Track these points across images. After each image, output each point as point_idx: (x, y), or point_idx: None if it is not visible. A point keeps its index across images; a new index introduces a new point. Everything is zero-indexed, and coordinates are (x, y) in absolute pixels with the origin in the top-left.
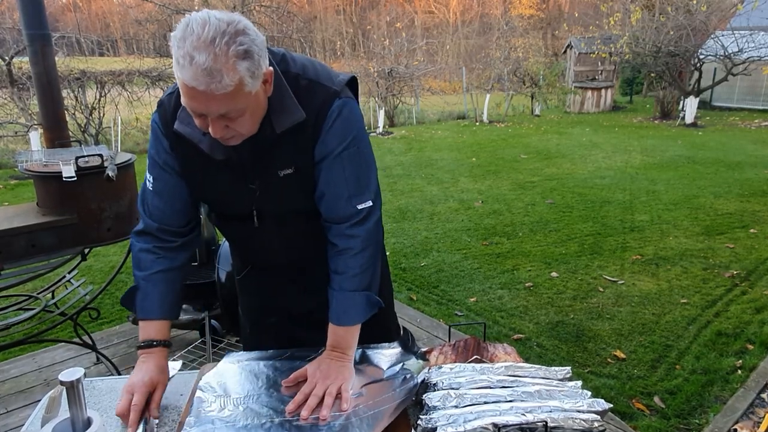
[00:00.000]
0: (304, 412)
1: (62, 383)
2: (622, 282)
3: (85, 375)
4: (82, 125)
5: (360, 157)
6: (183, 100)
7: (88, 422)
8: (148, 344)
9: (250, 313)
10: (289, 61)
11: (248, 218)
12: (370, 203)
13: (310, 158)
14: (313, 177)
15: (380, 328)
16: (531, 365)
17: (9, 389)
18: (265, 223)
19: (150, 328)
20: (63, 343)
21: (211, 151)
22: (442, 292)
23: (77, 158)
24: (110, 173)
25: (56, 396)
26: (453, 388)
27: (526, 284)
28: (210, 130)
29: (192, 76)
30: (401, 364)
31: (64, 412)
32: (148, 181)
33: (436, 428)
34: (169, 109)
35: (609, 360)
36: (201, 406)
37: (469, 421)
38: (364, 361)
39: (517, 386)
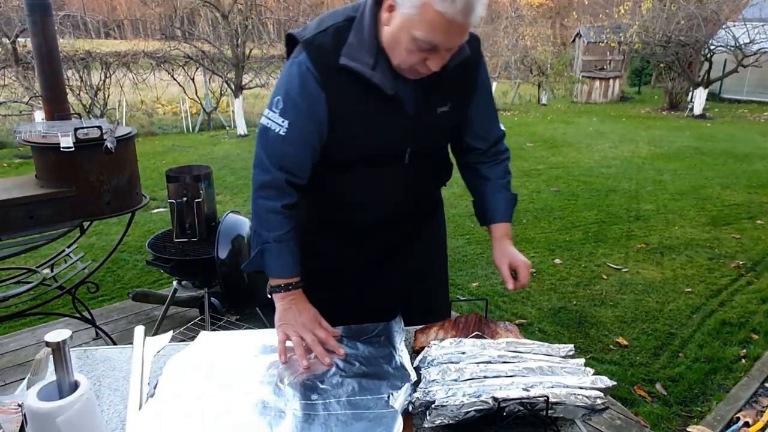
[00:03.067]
0: (510, 285)
1: (48, 344)
2: (626, 270)
3: (71, 337)
4: (87, 106)
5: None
6: (424, 35)
7: (75, 385)
8: (287, 287)
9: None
10: None
11: (399, 157)
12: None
13: (468, 95)
14: (464, 113)
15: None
16: (533, 341)
17: (7, 362)
18: (411, 164)
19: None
20: (62, 318)
21: (383, 84)
22: None
23: (76, 129)
24: (109, 145)
25: (42, 358)
26: (453, 362)
27: (530, 270)
28: (430, 63)
29: (460, 10)
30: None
31: (51, 376)
32: (279, 126)
33: (434, 401)
34: (327, 45)
35: (611, 346)
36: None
37: (469, 394)
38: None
39: (518, 362)
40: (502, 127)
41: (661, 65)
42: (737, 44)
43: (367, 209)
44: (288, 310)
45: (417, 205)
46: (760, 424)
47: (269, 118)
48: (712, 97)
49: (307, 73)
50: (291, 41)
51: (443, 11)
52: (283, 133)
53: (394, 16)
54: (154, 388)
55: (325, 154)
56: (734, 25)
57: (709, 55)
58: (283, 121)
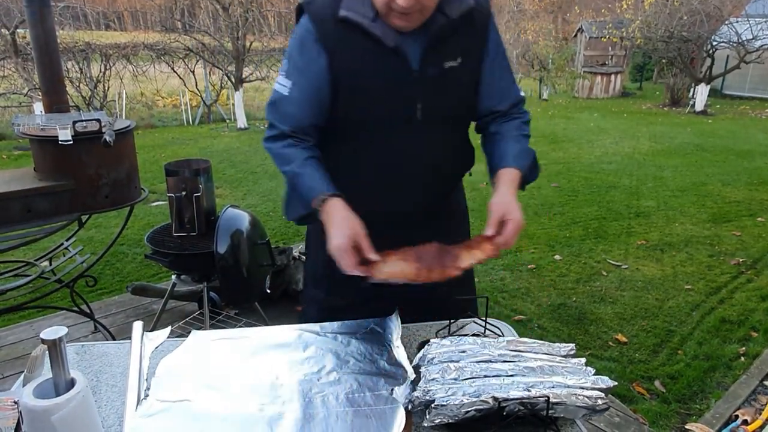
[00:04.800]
0: (489, 231)
1: (44, 342)
2: (626, 267)
3: (67, 334)
4: (87, 98)
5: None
6: None
7: (72, 383)
8: (320, 202)
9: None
10: None
11: (409, 117)
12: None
13: (479, 52)
14: (477, 73)
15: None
16: (534, 340)
17: (5, 355)
18: (424, 125)
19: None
20: (60, 312)
21: (383, 35)
22: None
23: (74, 123)
24: (108, 138)
25: (38, 355)
26: (453, 361)
27: (529, 266)
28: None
29: None
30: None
31: (47, 372)
32: (283, 87)
33: (434, 400)
34: (325, 1)
35: (610, 343)
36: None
37: (469, 394)
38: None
39: (519, 361)
40: (522, 92)
41: (663, 61)
42: (740, 40)
43: (383, 191)
44: (331, 222)
45: (437, 192)
46: (758, 422)
47: (277, 81)
48: (713, 94)
49: (305, 33)
50: (299, 12)
51: None
52: (287, 93)
53: None
54: (147, 390)
55: (335, 116)
56: (737, 21)
57: (711, 51)
58: (287, 82)
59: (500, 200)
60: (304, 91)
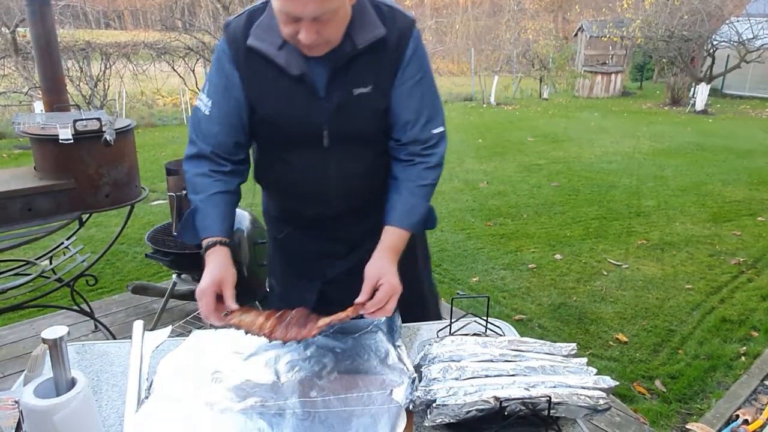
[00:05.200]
0: (361, 298)
1: (44, 341)
2: (627, 266)
3: (68, 334)
4: (87, 97)
5: (433, 84)
6: (278, 5)
7: (72, 382)
8: (207, 246)
9: (284, 275)
10: None
11: (317, 140)
12: (442, 128)
13: (390, 79)
14: (388, 99)
15: (415, 294)
16: (535, 340)
17: (6, 354)
18: (333, 148)
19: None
20: (61, 311)
21: (287, 64)
22: (445, 271)
23: (75, 121)
24: (108, 137)
25: (39, 355)
26: (454, 361)
27: (530, 266)
28: (301, 36)
29: None
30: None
31: (48, 372)
32: (204, 105)
33: (435, 400)
34: (239, 27)
35: (611, 343)
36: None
37: (470, 393)
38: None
39: (520, 361)
40: (437, 131)
41: (664, 60)
42: (740, 40)
43: (309, 200)
44: (206, 267)
45: (362, 200)
46: (759, 422)
47: (199, 98)
48: (714, 93)
49: (222, 53)
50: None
51: None
52: (208, 112)
53: None
54: (148, 390)
55: (253, 135)
56: (738, 21)
57: (711, 51)
58: (207, 101)
59: (375, 264)
60: (222, 110)
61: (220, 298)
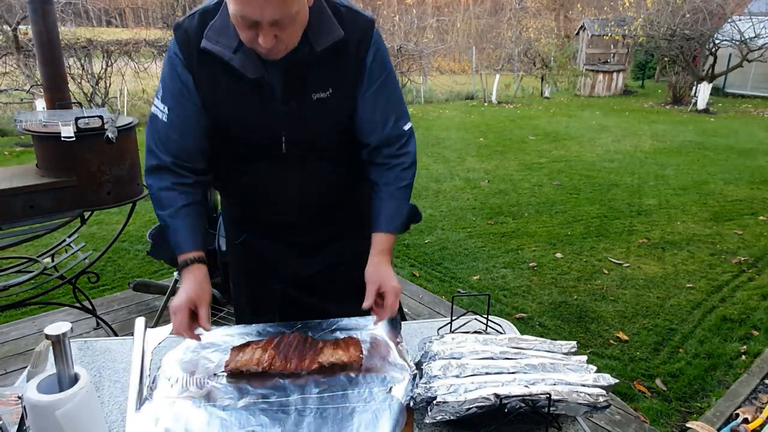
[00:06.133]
0: (367, 304)
1: (48, 337)
2: (628, 265)
3: (72, 330)
4: (89, 94)
5: (396, 81)
6: (234, 9)
7: (75, 378)
8: (184, 264)
9: (248, 280)
10: None
11: (276, 147)
12: (410, 124)
13: (351, 83)
14: (350, 104)
15: None
16: (535, 338)
17: (8, 351)
18: (291, 154)
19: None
20: (63, 308)
21: (243, 68)
22: (446, 269)
23: (77, 119)
24: (110, 135)
25: (42, 350)
26: (454, 358)
27: (530, 264)
28: (260, 40)
29: None
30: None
31: (51, 368)
32: (161, 112)
33: (435, 397)
34: (191, 29)
35: (611, 341)
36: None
37: (470, 390)
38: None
39: (520, 358)
40: (406, 127)
41: (665, 59)
42: (742, 38)
43: (269, 207)
44: (182, 284)
45: (325, 207)
46: (759, 421)
47: (155, 105)
48: (716, 92)
49: (174, 57)
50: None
51: None
52: (165, 120)
53: None
54: (151, 386)
55: (212, 140)
56: (740, 20)
57: (713, 50)
58: (164, 107)
59: (374, 271)
60: (180, 117)
61: (195, 315)
